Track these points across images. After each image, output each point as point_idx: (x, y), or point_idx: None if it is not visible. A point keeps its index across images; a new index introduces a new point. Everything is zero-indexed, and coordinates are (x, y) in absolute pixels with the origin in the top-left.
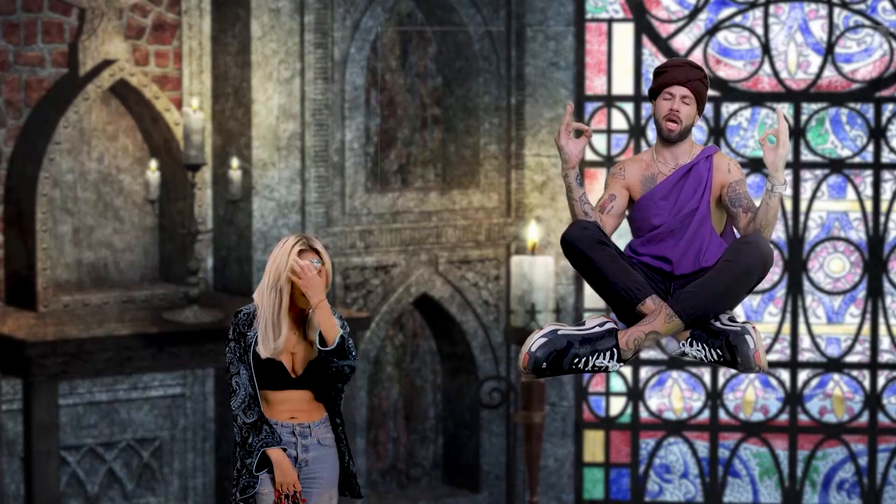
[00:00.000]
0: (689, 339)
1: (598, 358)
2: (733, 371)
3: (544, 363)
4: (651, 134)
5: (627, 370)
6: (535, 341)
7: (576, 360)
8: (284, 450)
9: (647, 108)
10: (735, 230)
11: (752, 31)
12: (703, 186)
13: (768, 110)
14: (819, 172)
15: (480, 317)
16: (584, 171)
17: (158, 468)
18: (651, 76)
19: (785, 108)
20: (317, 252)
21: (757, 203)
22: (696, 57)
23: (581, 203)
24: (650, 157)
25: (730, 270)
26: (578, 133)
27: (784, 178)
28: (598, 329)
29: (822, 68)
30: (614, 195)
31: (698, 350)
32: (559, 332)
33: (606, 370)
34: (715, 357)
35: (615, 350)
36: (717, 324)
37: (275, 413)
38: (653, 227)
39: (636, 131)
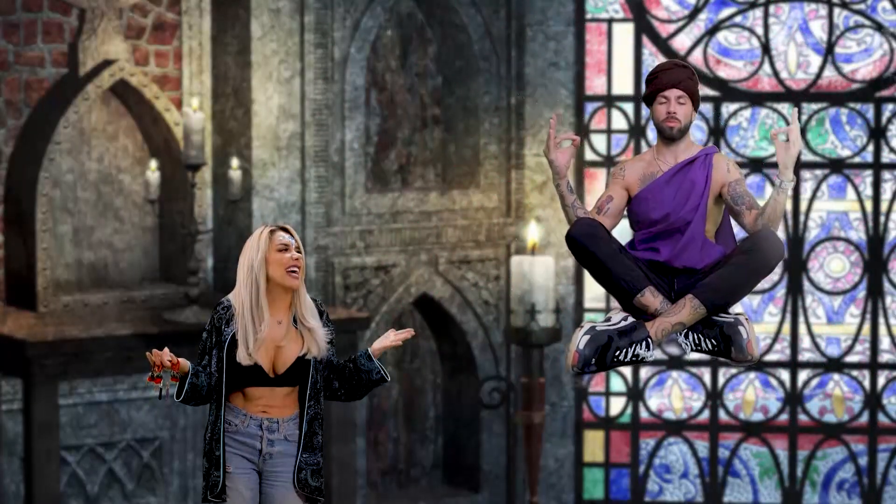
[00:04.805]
0: (684, 331)
1: (635, 348)
2: (733, 371)
3: (593, 359)
4: (651, 134)
5: (627, 370)
6: (580, 339)
7: (617, 353)
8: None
9: (646, 108)
10: (741, 226)
11: (752, 31)
12: (703, 182)
13: (768, 110)
14: (819, 172)
15: (480, 317)
16: (585, 172)
17: (158, 468)
18: (644, 80)
19: (796, 111)
20: (287, 231)
21: (759, 201)
22: (696, 57)
23: (573, 209)
24: (651, 156)
25: (748, 262)
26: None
27: (793, 176)
28: (625, 323)
29: (822, 68)
30: (611, 196)
31: (694, 341)
32: (597, 329)
33: (644, 360)
34: (709, 347)
35: (649, 340)
36: (712, 315)
37: (248, 406)
38: (653, 222)
39: (636, 131)
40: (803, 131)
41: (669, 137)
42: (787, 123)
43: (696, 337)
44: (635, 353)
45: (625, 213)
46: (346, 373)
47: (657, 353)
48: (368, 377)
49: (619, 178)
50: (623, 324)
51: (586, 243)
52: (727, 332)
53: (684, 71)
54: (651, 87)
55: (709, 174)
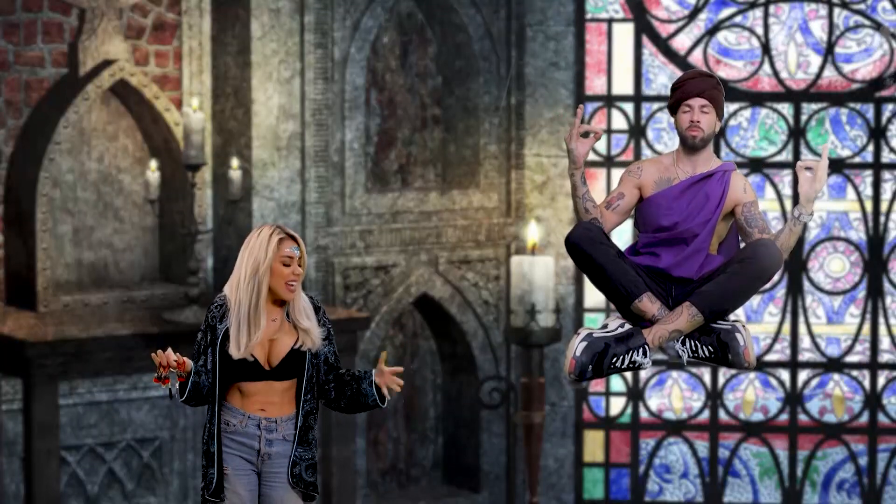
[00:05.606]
0: (681, 338)
1: (632, 355)
2: (733, 371)
3: (589, 366)
4: (651, 134)
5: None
6: (576, 346)
7: (614, 360)
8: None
9: (646, 108)
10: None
11: (752, 31)
12: (718, 199)
13: (768, 110)
14: None
15: (480, 317)
16: (584, 172)
17: (158, 468)
18: (669, 88)
19: (826, 147)
20: (294, 240)
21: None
22: (696, 57)
23: (583, 200)
24: (670, 160)
25: (746, 270)
26: (587, 134)
27: (812, 209)
28: (621, 330)
29: (822, 68)
30: (623, 194)
31: (691, 348)
32: (594, 335)
33: (641, 367)
34: (706, 354)
35: (646, 347)
36: (710, 323)
37: (245, 404)
38: (660, 228)
39: (636, 131)
40: (803, 132)
41: (692, 147)
42: (787, 123)
43: (692, 344)
44: (632, 359)
45: (632, 213)
46: (346, 391)
47: (658, 354)
48: (366, 400)
49: (635, 176)
50: (620, 330)
51: (585, 247)
52: (724, 339)
53: (709, 80)
54: (675, 96)
55: (724, 191)
